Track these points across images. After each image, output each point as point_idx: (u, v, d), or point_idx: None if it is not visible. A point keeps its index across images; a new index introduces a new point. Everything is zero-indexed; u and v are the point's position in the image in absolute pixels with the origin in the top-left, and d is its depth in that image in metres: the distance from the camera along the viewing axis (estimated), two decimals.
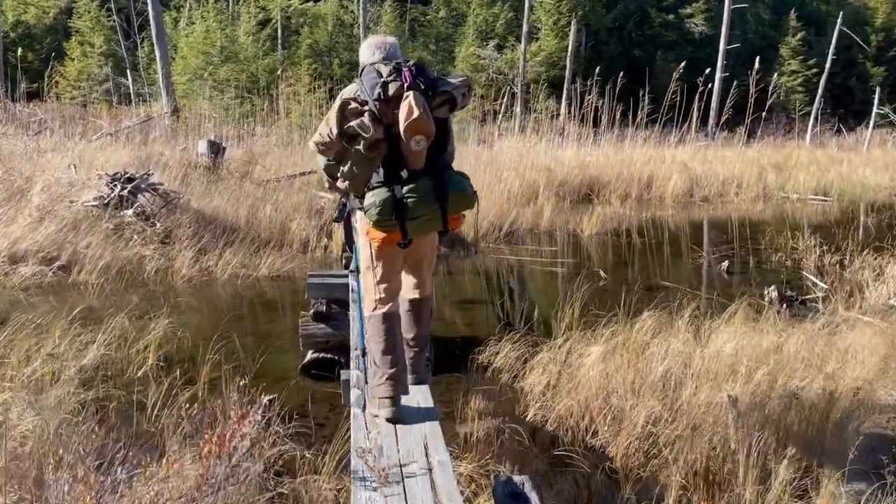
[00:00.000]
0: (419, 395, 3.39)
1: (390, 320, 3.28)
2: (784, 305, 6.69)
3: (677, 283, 7.60)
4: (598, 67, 19.40)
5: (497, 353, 5.28)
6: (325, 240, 9.08)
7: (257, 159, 13.17)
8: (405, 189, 3.04)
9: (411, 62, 3.15)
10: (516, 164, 13.90)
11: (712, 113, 25.58)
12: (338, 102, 3.12)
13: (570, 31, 24.32)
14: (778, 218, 12.55)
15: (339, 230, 8.69)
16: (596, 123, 17.89)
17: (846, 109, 27.34)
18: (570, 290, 6.08)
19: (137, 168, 10.42)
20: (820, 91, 24.45)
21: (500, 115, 22.03)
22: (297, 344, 5.34)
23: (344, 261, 7.92)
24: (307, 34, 26.89)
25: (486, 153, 14.72)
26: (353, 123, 3.03)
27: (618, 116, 16.42)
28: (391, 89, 3.02)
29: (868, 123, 23.65)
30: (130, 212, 8.36)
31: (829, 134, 25.60)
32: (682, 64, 17.07)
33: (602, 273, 7.91)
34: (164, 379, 4.45)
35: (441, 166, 3.15)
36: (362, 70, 3.20)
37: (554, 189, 12.70)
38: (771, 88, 22.58)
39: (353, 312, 4.29)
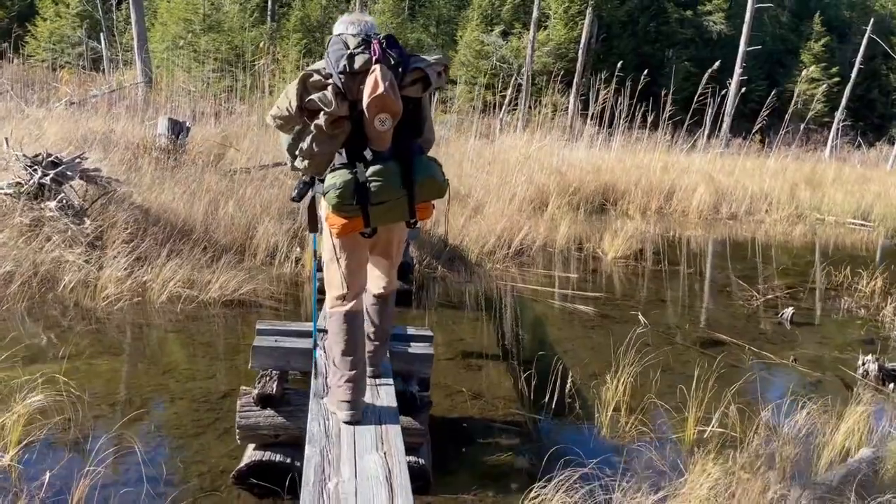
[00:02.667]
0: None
1: (353, 320, 3.09)
2: (885, 381, 5.15)
3: (737, 338, 6.02)
4: (610, 62, 17.81)
5: (516, 448, 3.66)
6: (297, 249, 7.41)
7: (231, 142, 11.51)
8: (369, 172, 2.80)
9: (382, 34, 2.89)
10: (522, 165, 12.31)
11: (726, 118, 24.14)
12: (300, 74, 2.84)
13: (581, 20, 22.65)
14: (823, 246, 11.03)
15: (318, 239, 7.04)
16: (608, 122, 16.28)
17: (865, 123, 25.91)
18: (606, 345, 4.85)
19: (78, 146, 8.73)
20: (843, 102, 23.00)
21: (505, 107, 20.41)
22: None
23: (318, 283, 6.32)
24: (299, 7, 25.04)
25: (488, 150, 13.08)
26: (314, 97, 2.77)
27: (637, 117, 14.77)
28: (358, 62, 2.78)
29: (890, 139, 22.26)
30: (53, 204, 6.64)
31: (849, 148, 24.20)
32: (715, 65, 15.37)
33: (641, 318, 6.30)
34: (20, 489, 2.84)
35: (411, 149, 2.89)
36: (329, 41, 2.94)
37: (566, 196, 11.09)
38: (794, 96, 21.16)
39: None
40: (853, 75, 23.00)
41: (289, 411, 3.44)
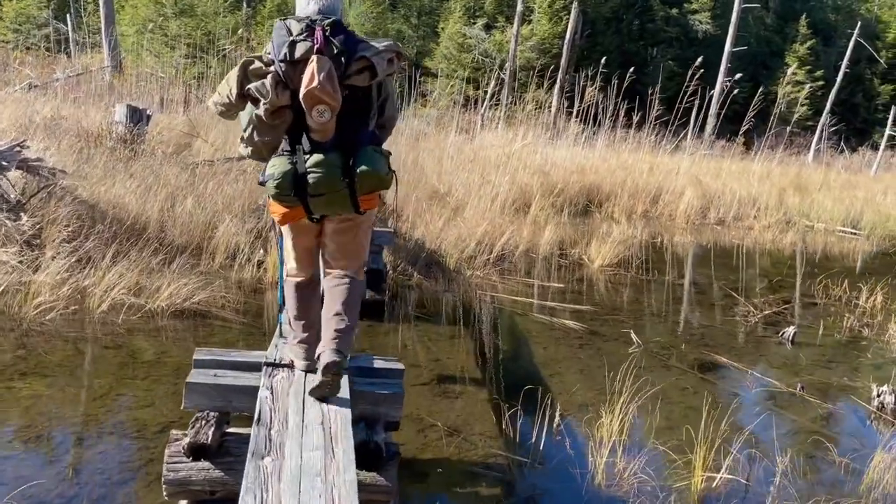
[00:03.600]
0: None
1: (303, 290, 3.10)
2: None
3: (738, 360, 5.53)
4: (594, 59, 17.30)
5: (499, 500, 3.12)
6: (261, 252, 6.80)
7: (199, 131, 10.84)
8: (308, 162, 2.71)
9: (329, 20, 2.73)
10: (504, 163, 11.77)
11: (710, 119, 23.82)
12: (242, 60, 2.78)
13: (566, 16, 22.15)
14: (814, 255, 10.62)
15: (276, 245, 6.45)
16: (592, 120, 15.78)
17: (848, 127, 25.72)
18: (597, 368, 4.53)
19: (24, 132, 8.04)
20: (828, 105, 22.76)
21: (486, 102, 19.85)
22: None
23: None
24: None
25: (469, 146, 12.53)
26: (253, 86, 2.68)
27: (621, 115, 14.29)
28: (299, 50, 2.67)
29: (873, 144, 22.05)
30: None
31: (832, 152, 23.98)
32: (698, 63, 14.91)
33: (633, 336, 5.79)
34: None
35: (355, 140, 2.78)
36: (275, 25, 2.80)
37: (550, 197, 10.57)
38: (778, 98, 20.87)
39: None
40: (839, 79, 22.75)
41: (227, 463, 2.86)
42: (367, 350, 4.98)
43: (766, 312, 6.88)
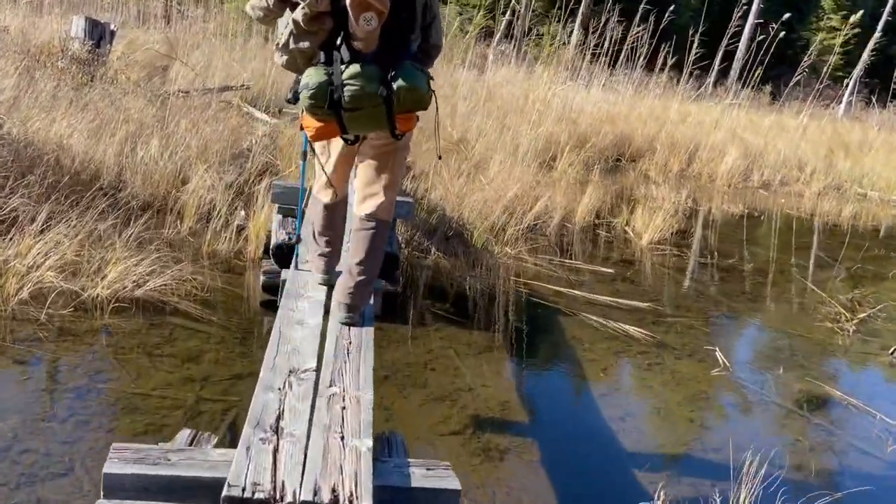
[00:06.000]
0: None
1: (331, 210, 3.13)
2: None
3: (850, 394, 4.28)
4: None
5: None
6: (241, 213, 5.43)
7: (177, 53, 9.30)
8: (345, 74, 2.55)
9: None
10: (523, 106, 10.31)
11: (736, 64, 22.18)
12: None
13: None
14: (881, 230, 9.32)
15: (267, 215, 5.07)
16: (613, 61, 14.18)
17: (881, 81, 24.10)
18: (676, 405, 3.66)
19: None
20: (865, 55, 21.09)
21: (498, 34, 18.11)
22: None
23: (264, 275, 4.39)
24: None
25: (481, 84, 11.01)
26: None
27: (644, 57, 12.72)
28: None
29: None
30: None
31: (861, 106, 22.48)
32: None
33: (718, 355, 4.51)
34: None
35: (396, 55, 2.61)
36: None
37: (583, 151, 9.15)
38: (810, 46, 19.26)
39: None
40: (879, 27, 21.07)
41: None
42: (376, 372, 3.70)
43: (861, 316, 5.62)
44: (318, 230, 3.17)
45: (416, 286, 5.03)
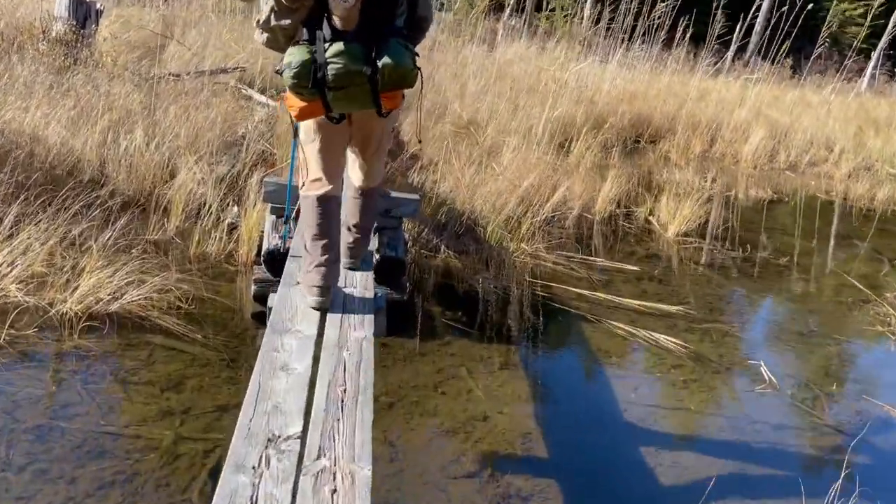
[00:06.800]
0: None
1: (326, 204, 2.88)
2: None
3: None
4: None
5: None
6: (234, 209, 4.98)
7: (172, 31, 8.81)
8: (328, 52, 2.49)
9: None
10: (535, 84, 9.79)
11: (755, 38, 21.47)
12: None
13: None
14: None
15: (263, 215, 4.61)
16: (628, 36, 13.54)
17: None
18: (719, 432, 3.11)
19: None
20: (890, 26, 20.28)
21: (509, 8, 17.45)
22: None
23: (255, 284, 3.96)
24: None
25: (490, 61, 10.49)
26: None
27: (681, 32, 12.10)
28: None
29: None
30: None
31: (884, 79, 21.72)
32: None
33: (763, 370, 4.05)
34: None
35: (380, 31, 2.54)
36: None
37: (600, 133, 8.62)
38: (829, 16, 18.48)
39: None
40: None
41: None
42: (381, 398, 3.27)
43: None
44: (313, 232, 2.87)
45: (423, 291, 4.57)
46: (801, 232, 7.47)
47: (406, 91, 2.68)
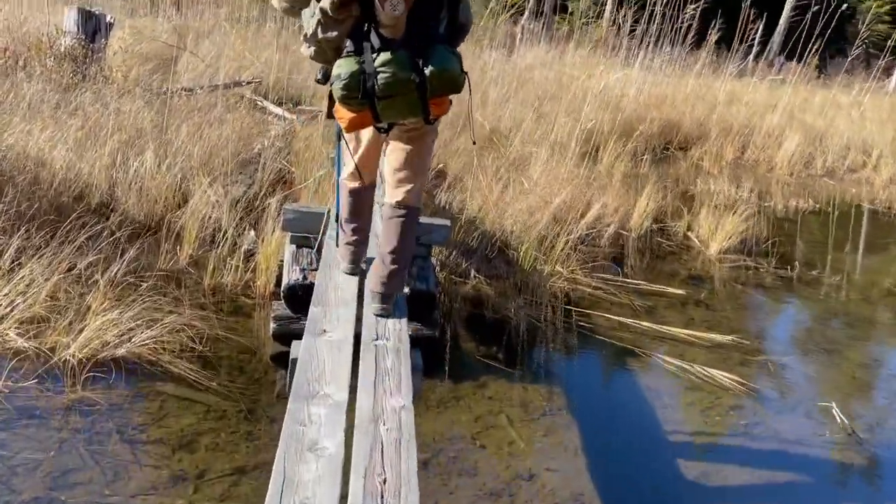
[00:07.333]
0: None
1: (360, 196, 3.12)
2: None
3: None
4: None
5: None
6: (251, 233, 4.67)
7: (185, 43, 8.55)
8: (377, 61, 2.50)
9: None
10: (558, 91, 9.43)
11: (777, 37, 21.00)
12: None
13: None
14: None
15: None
16: (654, 38, 13.12)
17: None
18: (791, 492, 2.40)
19: None
20: None
21: (528, 12, 17.10)
22: None
23: (274, 322, 3.65)
24: None
25: (510, 67, 10.16)
26: None
27: (711, 37, 11.68)
28: None
29: None
30: None
31: None
32: None
33: (835, 411, 3.67)
34: None
35: (426, 38, 2.55)
36: None
37: (631, 141, 8.25)
38: (856, 14, 17.98)
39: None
40: None
41: None
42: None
43: None
44: (346, 216, 3.14)
45: (453, 323, 4.23)
46: (850, 245, 7.06)
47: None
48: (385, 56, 2.50)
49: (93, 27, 6.72)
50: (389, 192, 3.00)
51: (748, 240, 6.25)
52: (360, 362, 2.44)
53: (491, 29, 12.79)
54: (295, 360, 2.38)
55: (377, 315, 2.89)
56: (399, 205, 2.95)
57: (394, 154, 2.94)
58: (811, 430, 3.58)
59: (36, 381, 3.10)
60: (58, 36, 6.55)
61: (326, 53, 2.65)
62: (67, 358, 3.21)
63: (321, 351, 2.41)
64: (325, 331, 2.55)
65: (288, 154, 5.91)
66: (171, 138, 5.35)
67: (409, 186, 2.94)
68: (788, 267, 5.87)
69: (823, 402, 3.79)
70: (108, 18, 6.97)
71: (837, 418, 3.62)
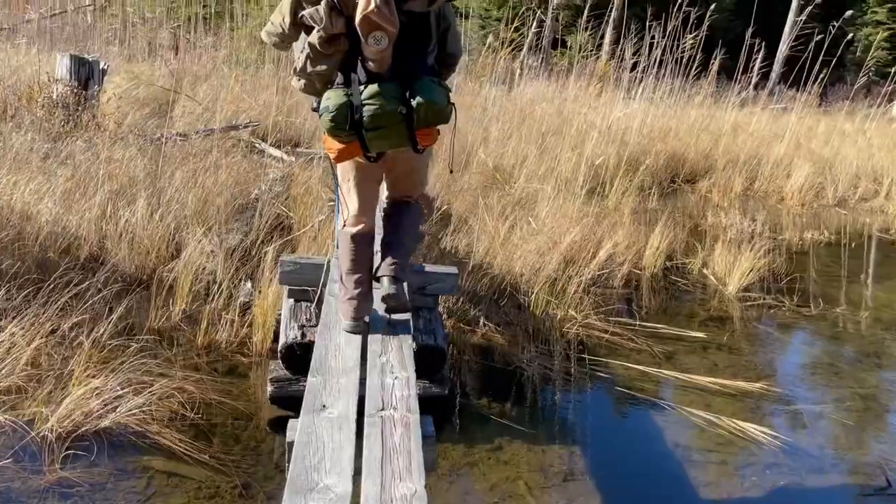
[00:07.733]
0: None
1: (359, 241, 3.01)
2: None
3: None
4: None
5: None
6: (247, 285, 4.43)
7: (182, 86, 8.40)
8: (364, 94, 2.58)
9: None
10: (560, 126, 9.26)
11: (776, 66, 20.94)
12: None
13: None
14: None
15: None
16: (656, 69, 13.02)
17: None
18: None
19: None
20: None
21: (527, 47, 17.07)
22: None
23: (272, 385, 3.39)
24: None
25: (510, 102, 10.02)
26: (306, 12, 2.59)
27: (713, 66, 11.57)
28: None
29: None
30: None
31: None
32: None
33: (885, 471, 3.38)
34: None
35: (413, 70, 2.62)
36: None
37: (637, 175, 8.04)
38: (853, 41, 17.95)
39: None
40: None
41: None
42: None
43: None
44: (347, 267, 3.02)
45: (463, 377, 3.97)
46: (871, 279, 6.80)
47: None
48: (373, 88, 2.57)
49: (86, 74, 6.58)
50: (390, 196, 3.13)
51: (766, 277, 5.99)
52: (365, 439, 2.19)
53: (490, 65, 12.71)
54: (292, 444, 2.12)
55: (389, 294, 2.94)
56: (399, 199, 3.10)
57: (391, 174, 3.02)
58: (851, 485, 3.30)
59: (11, 459, 2.83)
60: (49, 84, 6.40)
61: (315, 86, 2.69)
62: (45, 433, 2.94)
63: (320, 431, 2.15)
64: (324, 406, 2.29)
65: (286, 199, 5.71)
66: (165, 186, 5.15)
67: (409, 193, 3.11)
68: (811, 304, 5.60)
69: (866, 456, 3.50)
70: (102, 65, 6.83)
71: (884, 474, 3.33)
